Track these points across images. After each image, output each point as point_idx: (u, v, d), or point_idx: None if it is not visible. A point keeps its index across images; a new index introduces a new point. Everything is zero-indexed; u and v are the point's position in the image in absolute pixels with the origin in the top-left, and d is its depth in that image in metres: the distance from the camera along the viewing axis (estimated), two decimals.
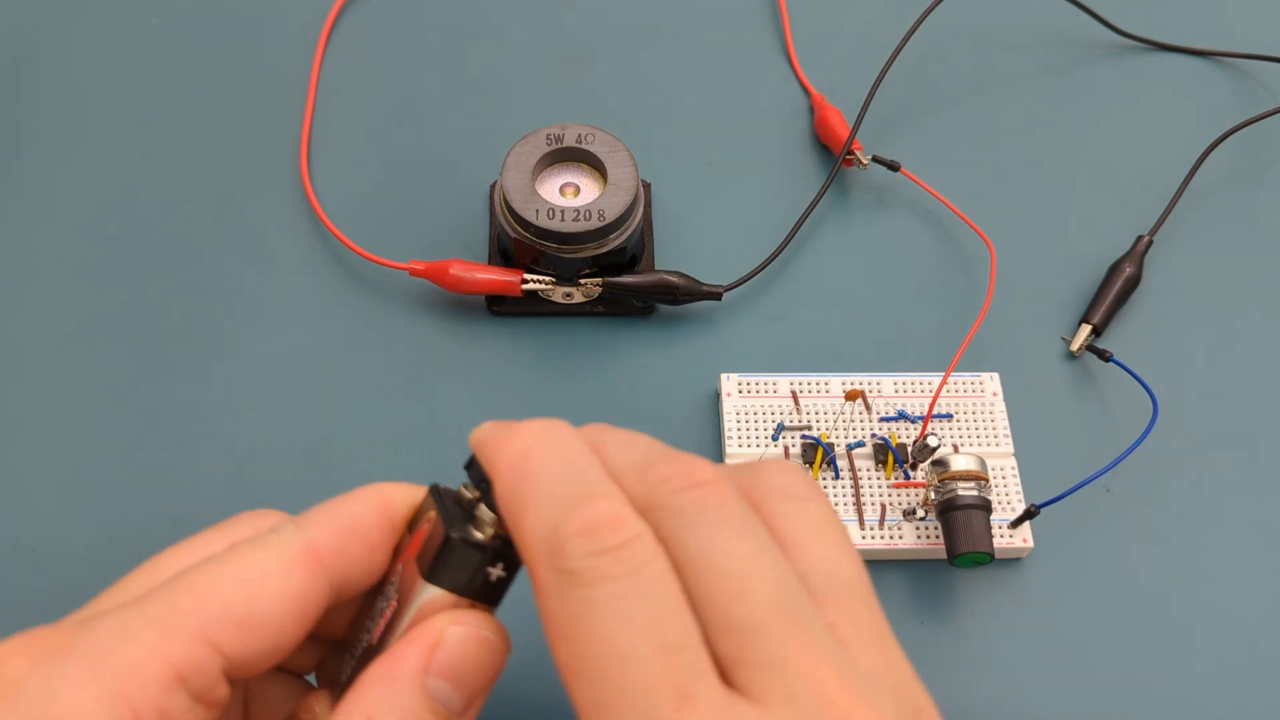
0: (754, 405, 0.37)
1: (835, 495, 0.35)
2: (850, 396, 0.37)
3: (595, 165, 0.38)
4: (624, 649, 0.19)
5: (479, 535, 0.23)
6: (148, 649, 0.20)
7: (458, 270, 0.38)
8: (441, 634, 0.21)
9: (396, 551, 0.24)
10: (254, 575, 0.21)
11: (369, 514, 0.23)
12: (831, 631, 0.20)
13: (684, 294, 0.39)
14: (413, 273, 0.39)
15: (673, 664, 0.18)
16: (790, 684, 0.18)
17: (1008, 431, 0.36)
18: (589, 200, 0.37)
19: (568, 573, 0.19)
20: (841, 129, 0.43)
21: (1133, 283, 0.40)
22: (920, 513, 0.35)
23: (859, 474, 0.35)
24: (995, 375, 0.38)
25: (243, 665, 0.21)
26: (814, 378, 0.37)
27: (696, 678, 0.19)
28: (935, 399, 0.36)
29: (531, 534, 0.20)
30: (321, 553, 0.22)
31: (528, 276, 0.38)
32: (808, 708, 0.18)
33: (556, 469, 0.21)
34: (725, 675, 0.19)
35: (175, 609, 0.20)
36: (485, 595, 0.23)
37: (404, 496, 0.24)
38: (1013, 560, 0.35)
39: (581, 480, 0.21)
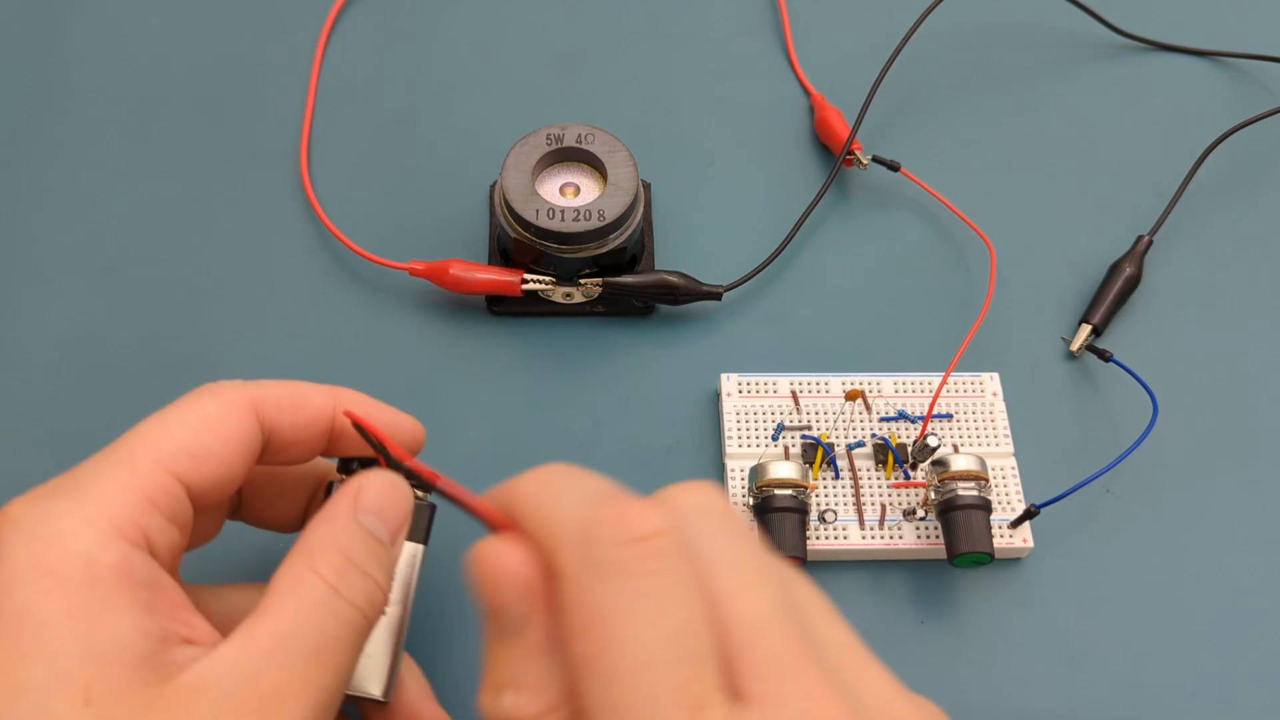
0: (754, 405, 0.37)
1: (835, 495, 0.35)
2: (850, 396, 0.37)
3: (595, 165, 0.38)
4: (646, 653, 0.19)
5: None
6: (119, 482, 0.23)
7: (458, 270, 0.38)
8: (361, 484, 0.25)
9: None
10: (199, 418, 0.25)
11: (316, 394, 0.27)
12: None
13: (684, 294, 0.39)
14: (413, 273, 0.39)
15: (691, 675, 0.19)
16: (785, 689, 0.19)
17: (1008, 431, 0.36)
18: (589, 200, 0.37)
19: (596, 562, 0.20)
20: (841, 129, 0.43)
21: (1133, 283, 0.40)
22: (920, 513, 0.35)
23: (859, 474, 0.35)
24: (995, 375, 0.38)
25: (201, 491, 0.25)
26: (814, 378, 0.37)
27: (711, 690, 0.19)
28: (935, 399, 0.36)
29: (563, 519, 0.21)
30: (258, 404, 0.26)
31: (528, 276, 0.38)
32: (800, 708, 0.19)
33: (587, 479, 0.22)
34: (731, 680, 0.20)
35: (137, 450, 0.24)
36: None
37: (359, 403, 0.28)
38: (1013, 560, 0.35)
39: (609, 488, 0.22)
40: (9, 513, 0.23)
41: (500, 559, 0.21)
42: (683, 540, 0.20)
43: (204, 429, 0.25)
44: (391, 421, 0.29)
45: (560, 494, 0.21)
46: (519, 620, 0.21)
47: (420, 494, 0.28)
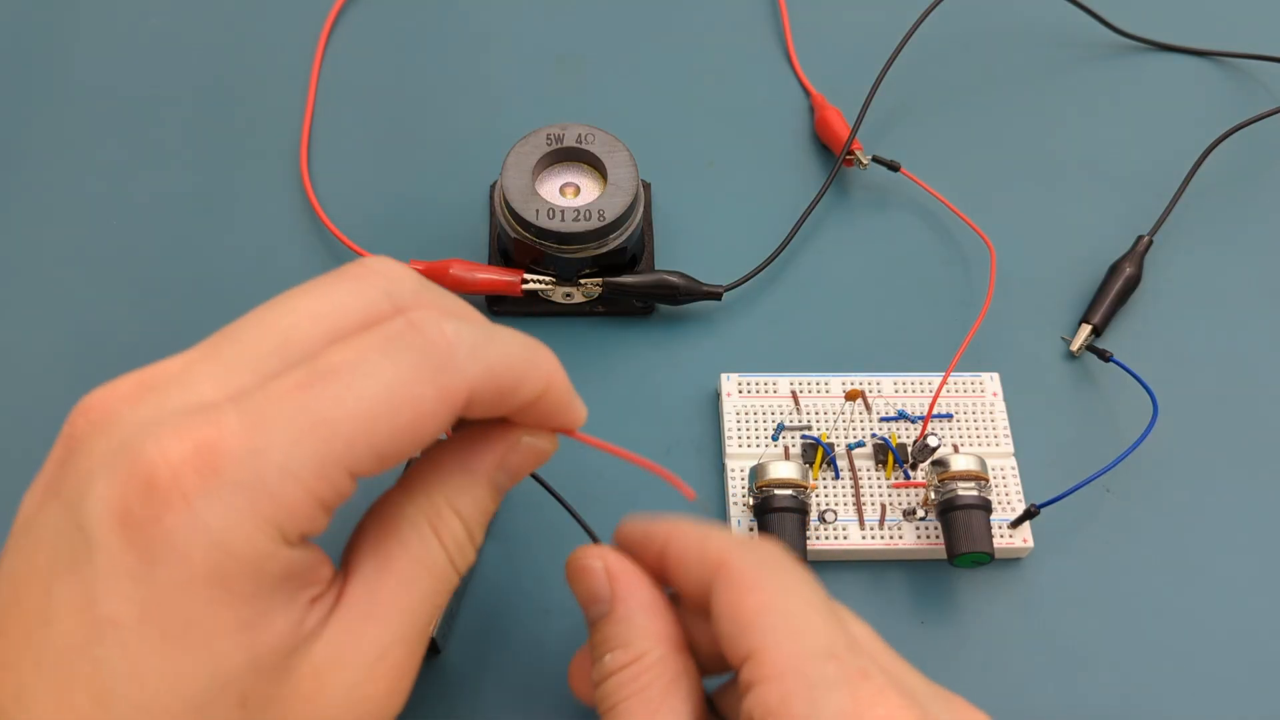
0: (754, 405, 0.37)
1: (835, 495, 0.35)
2: (850, 396, 0.37)
3: (595, 165, 0.38)
4: (813, 604, 0.25)
5: None
6: (302, 489, 0.21)
7: (458, 270, 0.38)
8: (518, 440, 0.25)
9: None
10: (410, 415, 0.22)
11: (529, 387, 0.24)
12: None
13: (684, 294, 0.39)
14: None
15: (839, 626, 0.25)
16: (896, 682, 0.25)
17: (1008, 431, 0.36)
18: (589, 200, 0.37)
19: (763, 560, 0.26)
20: (841, 129, 0.43)
21: (1133, 283, 0.40)
22: (920, 513, 0.35)
23: (859, 474, 0.35)
24: (995, 375, 0.38)
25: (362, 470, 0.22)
26: (814, 378, 0.37)
27: (855, 638, 0.25)
28: (935, 399, 0.36)
29: (723, 536, 0.27)
30: (473, 397, 0.23)
31: (528, 276, 0.38)
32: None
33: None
34: None
35: (331, 447, 0.21)
36: None
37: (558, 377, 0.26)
38: (1013, 560, 0.35)
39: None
40: (184, 487, 0.21)
41: (592, 564, 0.27)
42: None
43: (408, 429, 0.22)
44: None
45: (711, 527, 0.27)
46: (606, 603, 0.26)
47: None
